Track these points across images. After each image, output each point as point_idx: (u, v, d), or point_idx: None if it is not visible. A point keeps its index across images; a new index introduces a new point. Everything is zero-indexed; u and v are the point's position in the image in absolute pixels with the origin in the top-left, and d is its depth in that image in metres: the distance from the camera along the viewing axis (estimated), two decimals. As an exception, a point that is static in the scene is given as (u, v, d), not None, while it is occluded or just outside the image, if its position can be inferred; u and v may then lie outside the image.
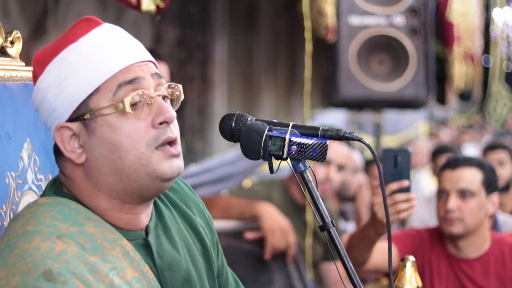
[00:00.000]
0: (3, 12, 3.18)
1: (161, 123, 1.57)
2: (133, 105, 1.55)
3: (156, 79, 1.60)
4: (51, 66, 1.58)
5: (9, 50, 1.86)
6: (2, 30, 1.85)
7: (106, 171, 1.56)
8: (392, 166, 2.63)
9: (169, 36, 5.18)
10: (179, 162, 1.59)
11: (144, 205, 1.61)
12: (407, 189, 2.63)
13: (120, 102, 1.54)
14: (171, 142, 1.59)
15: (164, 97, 1.60)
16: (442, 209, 3.06)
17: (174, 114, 1.59)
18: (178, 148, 1.60)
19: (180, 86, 1.65)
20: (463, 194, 3.03)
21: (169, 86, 1.62)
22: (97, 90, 1.55)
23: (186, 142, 5.55)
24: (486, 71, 17.64)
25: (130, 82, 1.56)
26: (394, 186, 2.63)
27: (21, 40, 1.90)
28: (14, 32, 1.88)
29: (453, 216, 3.02)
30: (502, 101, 17.50)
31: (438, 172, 3.18)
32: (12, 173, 1.75)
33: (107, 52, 1.57)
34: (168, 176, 1.58)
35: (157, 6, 2.81)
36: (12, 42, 1.87)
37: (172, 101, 1.63)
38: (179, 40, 5.39)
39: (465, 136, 11.17)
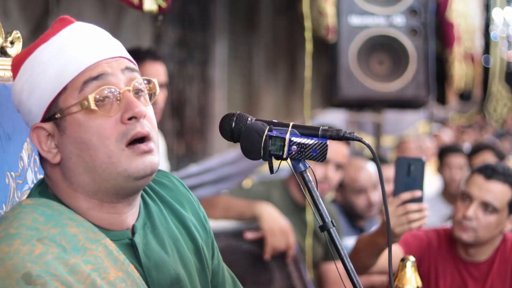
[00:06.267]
0: (3, 12, 3.18)
1: (129, 119, 1.54)
2: (101, 101, 1.53)
3: (127, 74, 1.58)
4: (24, 68, 1.58)
5: (9, 50, 1.86)
6: (2, 30, 1.85)
7: (79, 170, 1.55)
8: (405, 175, 2.56)
9: (169, 36, 5.18)
10: (151, 158, 1.56)
11: (125, 203, 1.59)
12: (419, 199, 2.57)
13: (85, 100, 1.53)
14: (142, 139, 1.56)
15: (138, 91, 1.58)
16: (460, 212, 3.01)
17: (144, 109, 1.56)
18: (150, 144, 1.56)
19: (155, 80, 1.63)
20: (486, 206, 2.98)
21: (141, 82, 1.59)
22: (64, 88, 1.54)
23: (186, 142, 5.55)
24: (486, 71, 17.61)
25: (96, 78, 1.54)
26: (406, 196, 2.56)
27: (21, 40, 1.89)
28: (14, 32, 1.88)
29: (469, 224, 2.97)
30: (502, 101, 17.47)
31: (470, 173, 3.09)
32: (12, 173, 1.75)
33: (74, 50, 1.55)
34: (140, 174, 1.55)
35: (159, 6, 2.81)
36: (12, 42, 1.87)
37: (150, 96, 1.61)
38: (179, 40, 5.39)
39: (465, 136, 11.14)
